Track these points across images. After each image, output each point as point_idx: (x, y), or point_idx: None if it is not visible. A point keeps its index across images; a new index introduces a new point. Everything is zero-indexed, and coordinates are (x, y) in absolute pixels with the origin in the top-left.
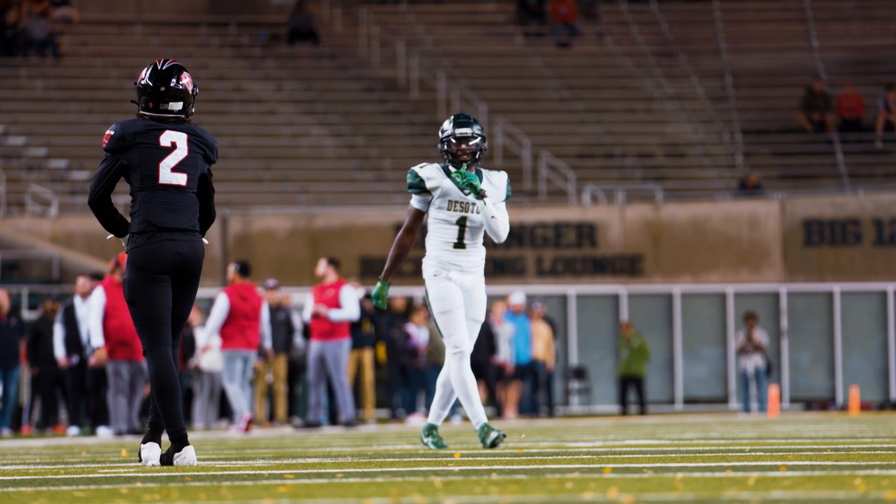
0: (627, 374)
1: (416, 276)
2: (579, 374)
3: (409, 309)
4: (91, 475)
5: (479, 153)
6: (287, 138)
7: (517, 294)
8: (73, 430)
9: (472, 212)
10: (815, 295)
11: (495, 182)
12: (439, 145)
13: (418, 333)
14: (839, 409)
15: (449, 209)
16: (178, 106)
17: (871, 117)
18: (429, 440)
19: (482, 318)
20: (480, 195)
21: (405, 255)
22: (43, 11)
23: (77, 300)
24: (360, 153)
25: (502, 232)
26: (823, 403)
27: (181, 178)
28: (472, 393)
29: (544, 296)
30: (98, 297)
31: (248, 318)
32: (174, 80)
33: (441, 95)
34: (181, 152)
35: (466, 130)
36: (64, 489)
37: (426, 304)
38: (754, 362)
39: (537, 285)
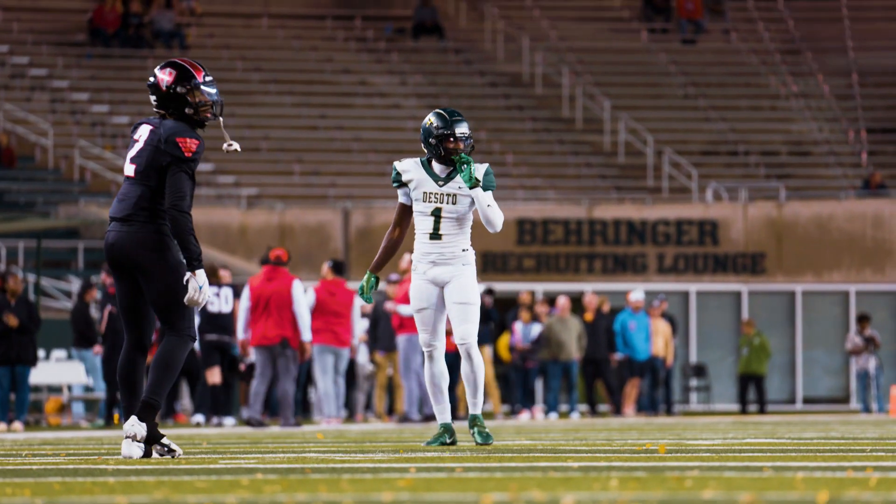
0: (748, 372)
1: (526, 271)
2: (699, 371)
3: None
4: (212, 465)
5: (470, 150)
6: (411, 132)
7: (637, 291)
8: (198, 417)
9: (448, 202)
10: None
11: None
12: (430, 140)
13: (522, 330)
14: None
15: (424, 200)
16: (153, 99)
17: None
18: (474, 431)
19: (470, 300)
20: (474, 184)
21: (393, 249)
22: (168, 3)
23: None
24: (484, 148)
25: (497, 220)
26: None
27: (130, 169)
28: (439, 392)
29: (665, 293)
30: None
31: (337, 315)
32: (152, 76)
33: (565, 91)
34: (139, 144)
35: (464, 129)
36: (185, 479)
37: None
38: (872, 362)
39: (658, 283)
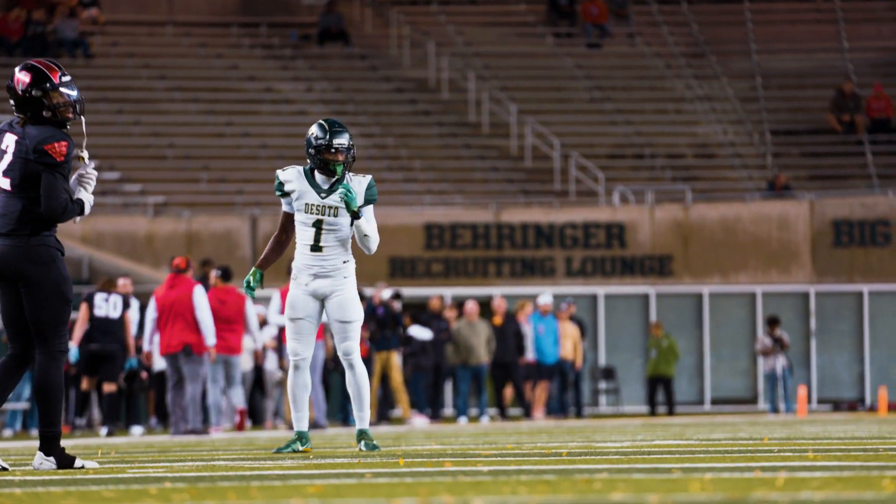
0: (656, 374)
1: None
2: (608, 374)
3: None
4: (120, 475)
5: (351, 161)
6: None
7: (545, 295)
8: (104, 430)
9: (329, 215)
10: (844, 295)
11: (356, 188)
12: (310, 150)
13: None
14: (868, 409)
15: (306, 212)
16: (12, 103)
17: None
18: (361, 444)
19: (351, 318)
20: (355, 215)
21: (281, 249)
22: (72, 11)
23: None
24: (391, 154)
25: (373, 245)
26: (852, 404)
27: (5, 183)
28: (301, 400)
29: (573, 296)
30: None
31: (228, 322)
32: (10, 79)
33: (471, 96)
34: (8, 156)
35: (343, 141)
36: (93, 489)
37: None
38: (781, 363)
39: (567, 286)
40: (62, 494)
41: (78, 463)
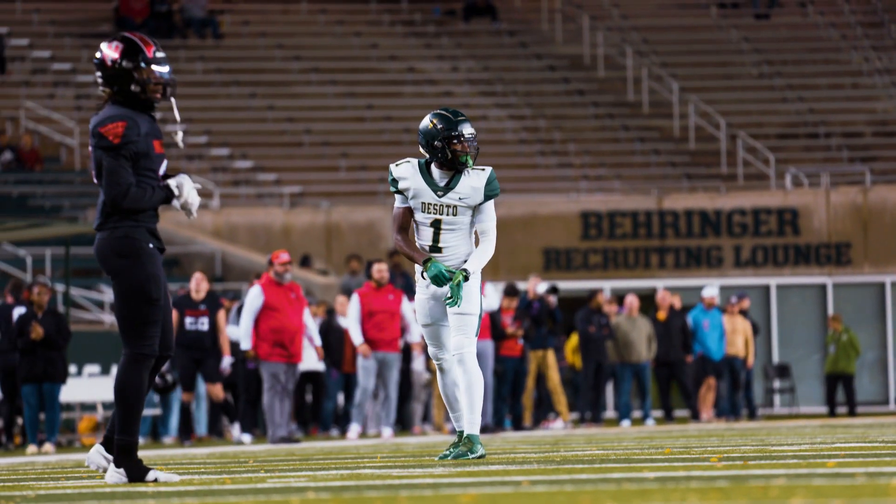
0: (835, 371)
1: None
2: (782, 371)
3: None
4: (259, 485)
5: (476, 153)
6: None
7: (709, 287)
8: (245, 437)
9: (448, 213)
10: None
11: (474, 183)
12: (435, 143)
13: None
14: None
15: (423, 211)
16: (98, 77)
17: None
18: (458, 448)
19: (467, 311)
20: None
21: (414, 243)
22: None
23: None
24: (543, 137)
25: (489, 257)
26: None
27: (94, 177)
28: (454, 400)
29: (744, 288)
30: (255, 295)
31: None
32: (98, 52)
33: (630, 73)
34: (90, 148)
35: (472, 130)
36: (231, 500)
37: None
38: None
39: (736, 277)
40: None
41: (150, 476)
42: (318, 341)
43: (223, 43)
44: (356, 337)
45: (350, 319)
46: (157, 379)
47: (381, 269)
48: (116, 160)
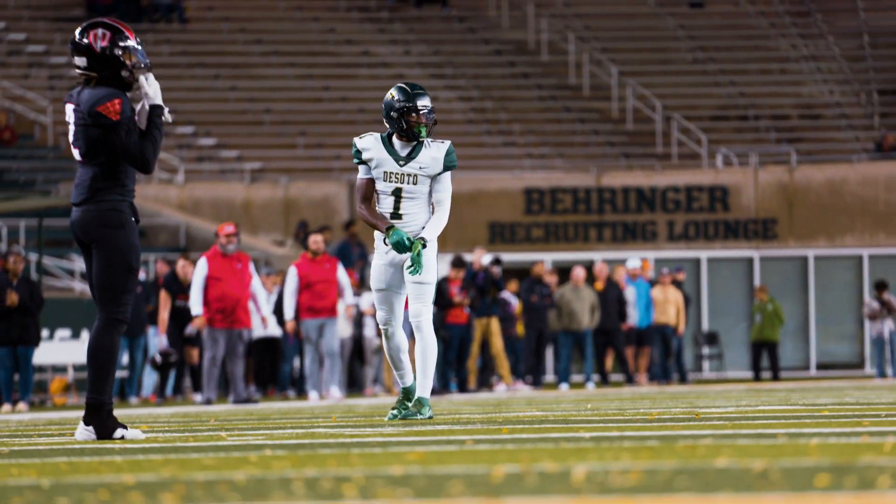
0: (760, 339)
1: (531, 242)
2: (711, 339)
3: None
4: (220, 443)
5: (432, 124)
6: None
7: (632, 259)
8: (198, 397)
9: (408, 182)
10: None
11: (434, 154)
12: (391, 114)
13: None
14: None
15: (384, 180)
16: (81, 61)
17: None
18: (409, 407)
19: (424, 280)
20: (417, 259)
21: (377, 211)
22: None
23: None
24: (490, 117)
25: (443, 226)
26: None
27: (76, 153)
28: (397, 361)
29: (676, 261)
30: (200, 266)
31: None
32: (79, 34)
33: (571, 58)
34: (72, 126)
35: (427, 102)
36: (193, 457)
37: None
38: (889, 327)
39: (669, 251)
40: (162, 462)
41: (118, 433)
42: (265, 311)
43: (188, 27)
44: (288, 310)
45: (287, 291)
46: (157, 357)
47: (316, 241)
48: (122, 135)
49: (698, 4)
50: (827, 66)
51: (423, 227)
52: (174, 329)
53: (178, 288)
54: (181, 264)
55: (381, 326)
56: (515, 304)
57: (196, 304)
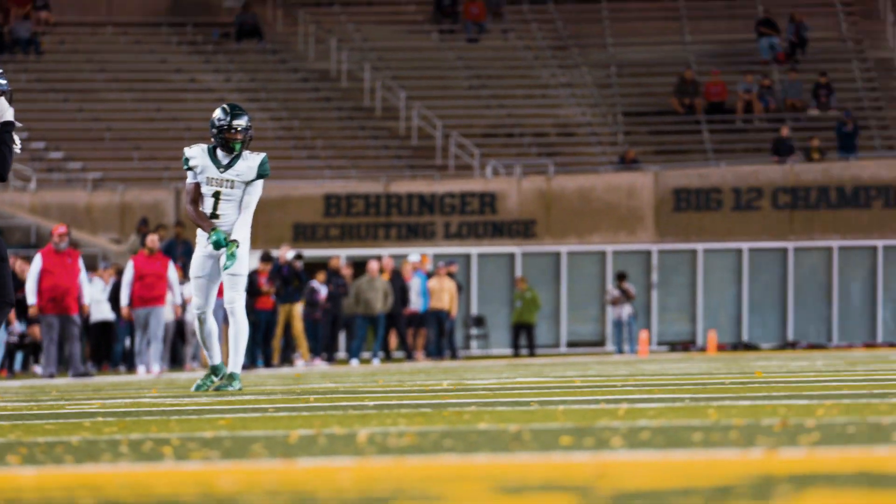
0: (520, 322)
1: (329, 240)
2: (479, 322)
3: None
4: (59, 411)
5: (248, 140)
6: None
7: (413, 255)
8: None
9: (226, 187)
10: (681, 253)
11: (250, 164)
12: (213, 130)
13: (320, 288)
14: (699, 349)
15: (206, 184)
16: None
17: (733, 101)
18: (220, 382)
19: (237, 272)
20: (231, 253)
21: (203, 213)
22: (27, 14)
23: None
24: (296, 134)
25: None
26: (686, 345)
27: None
28: (208, 343)
29: (451, 256)
30: (36, 261)
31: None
32: None
33: (367, 84)
34: None
35: (242, 122)
36: (37, 423)
37: None
38: (626, 311)
39: (445, 247)
40: (10, 427)
41: None
42: (86, 300)
43: (43, 58)
44: (123, 297)
45: (123, 281)
46: (14, 338)
47: (153, 240)
48: None
49: (474, 40)
50: (580, 92)
51: (234, 226)
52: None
53: (16, 283)
54: (17, 263)
55: (195, 311)
56: (324, 292)
57: (31, 295)
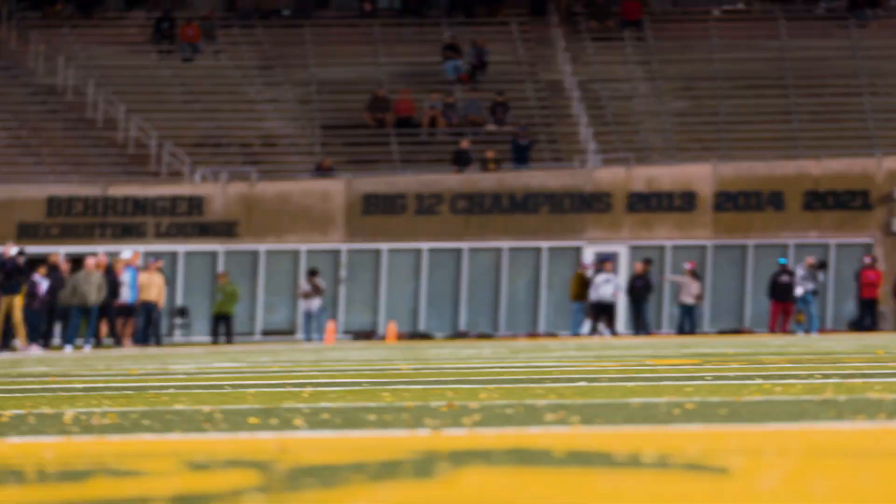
0: (219, 312)
1: (49, 238)
2: (182, 312)
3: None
4: None
5: None
6: None
7: (126, 251)
8: None
9: None
10: (367, 252)
11: None
12: None
13: (42, 282)
14: (380, 338)
15: None
16: None
17: (420, 116)
18: None
19: None
20: None
21: None
22: None
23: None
24: (25, 143)
25: None
26: (368, 335)
27: None
28: None
29: (161, 253)
30: None
31: None
32: None
33: (90, 98)
34: None
35: None
36: None
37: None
38: (316, 303)
39: (156, 245)
40: None
41: None
42: None
43: None
44: None
45: None
46: None
47: None
48: None
49: (189, 59)
50: (283, 107)
51: None
52: None
53: None
54: None
55: None
56: (45, 285)
57: None
